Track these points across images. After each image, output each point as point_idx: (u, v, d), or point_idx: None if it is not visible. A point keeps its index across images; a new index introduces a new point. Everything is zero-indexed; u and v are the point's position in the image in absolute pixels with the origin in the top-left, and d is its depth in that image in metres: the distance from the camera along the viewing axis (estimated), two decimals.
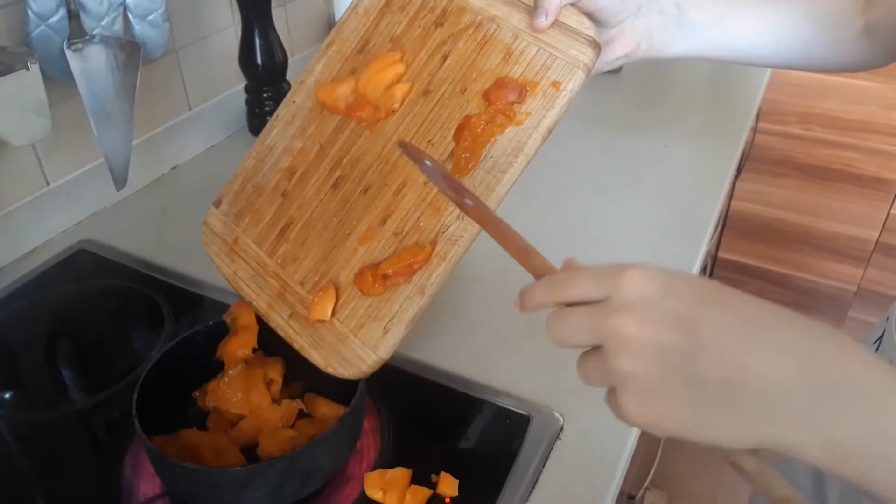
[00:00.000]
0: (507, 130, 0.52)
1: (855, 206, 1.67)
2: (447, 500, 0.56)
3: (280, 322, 0.57)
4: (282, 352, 0.62)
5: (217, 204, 0.66)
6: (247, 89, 1.08)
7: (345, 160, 0.58)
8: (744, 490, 1.80)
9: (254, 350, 0.61)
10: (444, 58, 0.56)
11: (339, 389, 0.60)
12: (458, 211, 0.51)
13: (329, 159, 0.59)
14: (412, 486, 0.56)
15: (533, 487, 0.58)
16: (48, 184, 0.88)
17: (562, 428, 0.63)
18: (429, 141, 0.54)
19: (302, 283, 0.57)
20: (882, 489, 0.30)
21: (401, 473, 0.56)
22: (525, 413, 0.63)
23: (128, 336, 0.76)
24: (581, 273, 0.37)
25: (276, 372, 0.61)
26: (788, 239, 1.77)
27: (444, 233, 0.52)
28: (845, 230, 1.71)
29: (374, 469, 0.58)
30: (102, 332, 0.76)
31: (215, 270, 0.82)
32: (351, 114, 0.58)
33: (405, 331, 0.52)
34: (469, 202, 0.45)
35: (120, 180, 0.84)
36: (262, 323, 0.61)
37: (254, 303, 0.59)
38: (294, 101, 0.63)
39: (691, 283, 0.34)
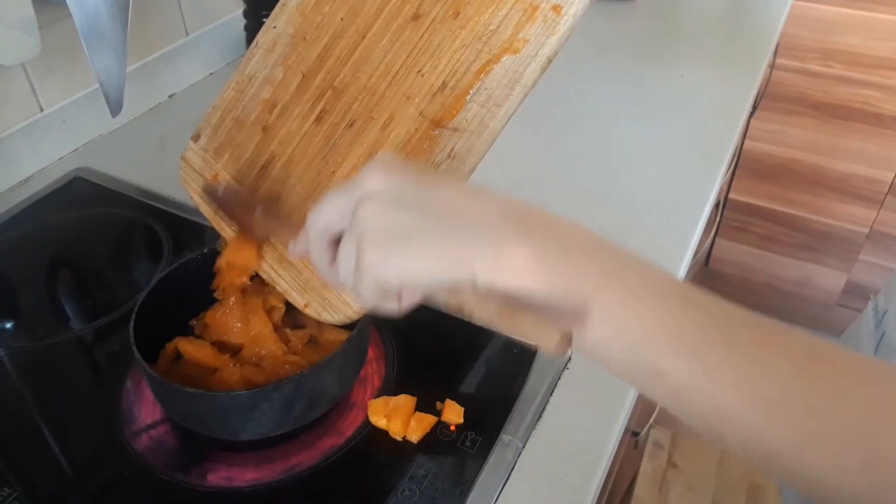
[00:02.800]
0: (503, 59, 0.47)
1: (872, 146, 1.63)
2: (452, 427, 0.55)
3: (263, 264, 0.55)
4: None
5: (195, 138, 0.62)
6: (246, 14, 1.04)
7: (328, 92, 0.54)
8: None
9: (252, 278, 0.60)
10: None
11: None
12: (448, 147, 0.48)
13: (312, 90, 0.55)
14: (416, 413, 0.55)
15: (539, 418, 0.57)
16: (42, 109, 0.85)
17: (569, 359, 0.62)
18: (418, 71, 0.50)
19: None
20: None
21: (405, 400, 0.55)
22: (532, 343, 0.62)
23: (126, 264, 0.75)
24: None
25: (277, 298, 0.59)
26: (801, 180, 1.74)
27: (435, 170, 0.48)
28: (860, 171, 1.67)
29: (378, 397, 0.57)
30: (101, 260, 0.75)
31: None
32: None
33: None
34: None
35: (115, 106, 0.81)
36: None
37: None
38: (275, 27, 0.58)
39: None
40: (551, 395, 0.59)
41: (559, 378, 0.60)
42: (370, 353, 0.60)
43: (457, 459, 0.53)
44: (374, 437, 0.55)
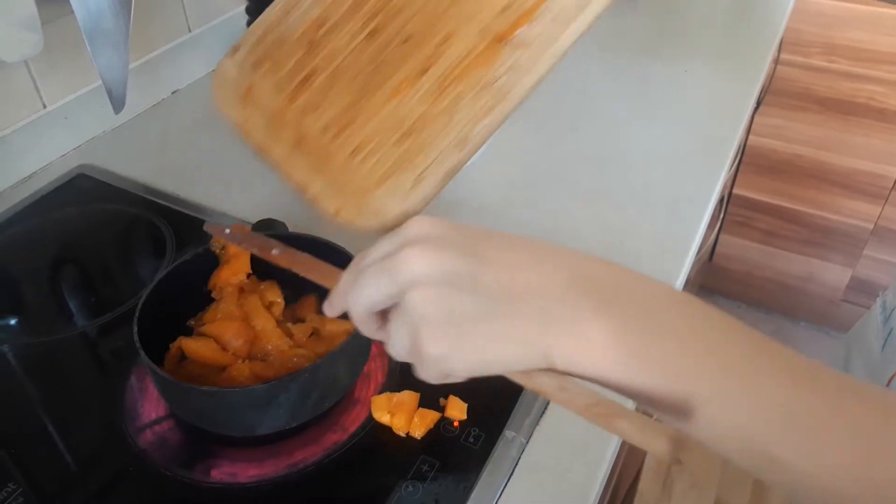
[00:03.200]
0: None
1: (876, 141, 1.62)
2: (455, 423, 0.55)
3: (295, 173, 0.52)
4: (275, 275, 0.61)
5: (233, 51, 0.58)
6: (248, 10, 1.04)
7: (383, 11, 0.52)
8: None
9: (248, 276, 0.60)
10: None
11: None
12: (510, 62, 0.46)
13: (365, 10, 0.52)
14: (420, 409, 0.55)
15: (542, 413, 0.57)
16: (45, 106, 0.85)
17: None
18: None
19: (324, 131, 0.51)
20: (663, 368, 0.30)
21: (408, 396, 0.55)
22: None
23: (130, 260, 0.75)
24: (367, 252, 0.36)
25: (275, 294, 0.59)
26: (805, 175, 1.73)
27: (492, 84, 0.47)
28: (864, 166, 1.66)
29: (381, 393, 0.57)
30: (104, 257, 0.75)
31: (216, 195, 0.80)
32: None
33: (440, 185, 0.47)
34: (276, 252, 0.45)
35: (118, 102, 0.81)
36: None
37: (265, 153, 0.54)
38: None
39: (467, 225, 0.35)
40: None
41: None
42: (373, 349, 0.60)
43: (460, 455, 0.53)
44: (377, 433, 0.55)
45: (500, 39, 0.47)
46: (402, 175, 0.48)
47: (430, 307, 0.31)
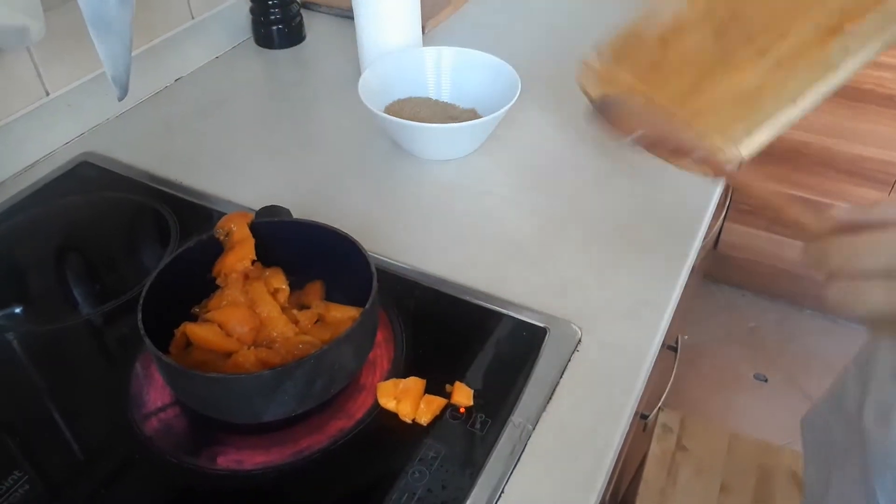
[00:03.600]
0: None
1: (883, 127, 1.61)
2: (462, 409, 0.55)
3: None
4: (280, 262, 0.61)
5: (598, 53, 0.68)
6: None
7: (730, 20, 0.60)
8: (754, 410, 1.80)
9: (252, 263, 0.59)
10: None
11: (346, 295, 0.59)
12: (840, 45, 0.55)
13: (715, 20, 0.60)
14: (426, 395, 0.55)
15: (549, 400, 0.57)
16: (47, 94, 0.85)
17: (580, 341, 0.61)
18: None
19: (671, 99, 0.59)
20: None
21: (414, 383, 0.55)
22: (542, 325, 0.62)
23: (134, 248, 0.75)
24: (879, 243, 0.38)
25: (280, 280, 0.59)
26: (811, 162, 1.72)
27: (824, 61, 0.54)
28: (871, 153, 1.65)
29: (387, 379, 0.56)
30: (108, 245, 0.75)
31: (220, 182, 0.80)
32: None
33: (771, 135, 0.56)
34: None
35: (121, 90, 0.80)
36: (257, 234, 0.60)
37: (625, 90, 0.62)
38: None
39: None
40: (561, 377, 0.58)
41: (569, 360, 0.59)
42: (379, 336, 0.60)
43: (467, 442, 0.53)
44: (383, 419, 0.55)
45: (833, 33, 0.55)
46: (735, 126, 0.57)
47: None
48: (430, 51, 0.89)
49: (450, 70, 0.89)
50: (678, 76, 0.61)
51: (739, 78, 0.58)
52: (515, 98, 0.80)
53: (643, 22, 0.67)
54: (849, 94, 1.60)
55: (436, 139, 0.81)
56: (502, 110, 0.78)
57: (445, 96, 0.89)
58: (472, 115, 0.86)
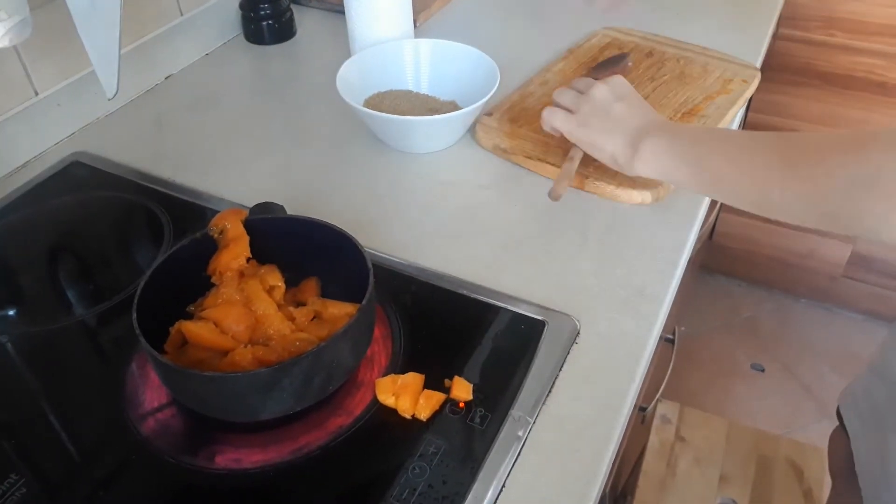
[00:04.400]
0: (716, 99, 0.87)
1: (876, 115, 1.61)
2: (461, 404, 0.55)
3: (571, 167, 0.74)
4: (275, 259, 0.60)
5: (489, 113, 0.85)
6: None
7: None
8: (751, 400, 1.80)
9: (247, 260, 0.59)
10: None
11: (342, 291, 0.58)
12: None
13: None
14: (425, 390, 0.54)
15: (548, 393, 0.56)
16: (36, 94, 0.84)
17: (578, 333, 0.61)
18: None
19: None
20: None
21: (413, 378, 0.55)
22: (540, 318, 0.61)
23: (127, 247, 0.74)
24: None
25: (275, 278, 0.58)
26: None
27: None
28: None
29: (385, 375, 0.56)
30: (101, 244, 0.74)
31: (213, 180, 0.80)
32: None
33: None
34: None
35: (111, 88, 0.79)
36: (252, 231, 0.59)
37: (541, 161, 0.78)
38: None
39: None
40: (560, 370, 0.58)
41: (568, 353, 0.59)
42: (377, 332, 0.59)
43: (466, 436, 0.53)
44: (382, 415, 0.54)
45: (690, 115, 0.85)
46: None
47: (600, 93, 0.69)
48: (409, 43, 0.89)
49: (429, 62, 0.89)
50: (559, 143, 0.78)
51: None
52: (495, 89, 0.79)
53: (522, 93, 0.87)
54: (841, 83, 1.61)
55: (413, 131, 0.80)
56: (481, 101, 0.78)
57: (425, 88, 0.89)
58: (452, 106, 0.86)
